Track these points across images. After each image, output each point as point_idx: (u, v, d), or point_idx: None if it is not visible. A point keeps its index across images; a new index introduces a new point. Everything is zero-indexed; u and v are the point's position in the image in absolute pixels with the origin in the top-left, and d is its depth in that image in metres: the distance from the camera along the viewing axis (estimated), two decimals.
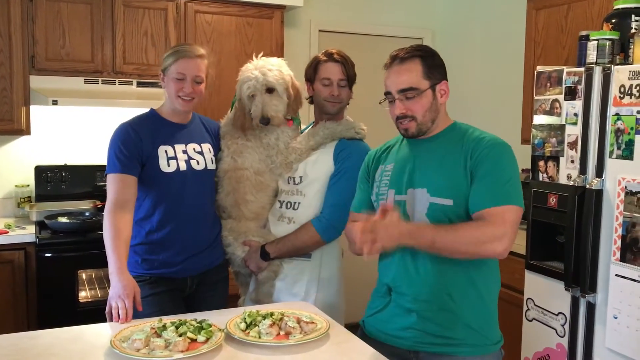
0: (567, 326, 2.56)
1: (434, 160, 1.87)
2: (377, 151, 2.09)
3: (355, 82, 2.43)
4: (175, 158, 2.27)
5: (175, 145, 2.29)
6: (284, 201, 2.39)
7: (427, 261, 1.83)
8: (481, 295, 1.85)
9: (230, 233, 2.42)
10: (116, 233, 2.10)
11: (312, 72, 2.40)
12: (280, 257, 2.37)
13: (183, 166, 2.28)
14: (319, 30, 4.41)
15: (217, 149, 2.44)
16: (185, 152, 2.31)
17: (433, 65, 1.87)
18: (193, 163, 2.31)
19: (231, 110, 2.46)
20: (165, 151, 2.26)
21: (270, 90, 2.33)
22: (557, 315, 2.61)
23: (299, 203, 2.36)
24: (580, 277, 2.46)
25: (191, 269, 2.33)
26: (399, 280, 1.90)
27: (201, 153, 2.35)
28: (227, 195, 2.41)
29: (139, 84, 3.54)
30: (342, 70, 2.36)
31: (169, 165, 2.26)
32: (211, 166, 2.37)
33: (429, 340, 1.83)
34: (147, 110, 2.38)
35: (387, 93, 1.90)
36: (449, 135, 1.90)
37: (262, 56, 2.41)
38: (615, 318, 2.33)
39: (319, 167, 2.34)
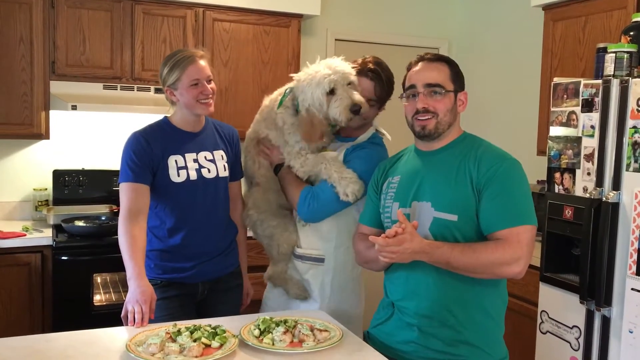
0: (581, 340, 2.54)
1: (440, 174, 1.86)
2: (386, 163, 2.08)
3: (390, 97, 2.31)
4: (185, 168, 2.27)
5: (186, 155, 2.29)
6: None
7: (430, 277, 1.83)
8: (486, 312, 1.84)
9: (253, 207, 2.41)
10: (132, 240, 2.12)
11: None
12: (280, 181, 2.34)
13: (193, 175, 2.28)
14: (336, 39, 4.43)
15: (232, 155, 2.43)
16: (196, 160, 2.30)
17: (457, 74, 1.91)
18: (204, 172, 2.31)
19: (279, 106, 2.31)
20: (176, 161, 2.27)
21: (350, 83, 2.18)
22: (571, 328, 2.59)
23: None
24: (596, 290, 2.44)
25: (202, 275, 2.34)
26: (402, 295, 1.91)
27: (213, 161, 2.34)
28: (255, 162, 2.41)
29: (157, 90, 3.58)
30: (374, 88, 2.24)
31: (178, 175, 2.26)
32: (223, 174, 2.36)
33: (431, 355, 1.83)
34: (162, 116, 2.40)
35: (411, 87, 1.89)
36: (457, 147, 1.89)
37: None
38: (631, 332, 2.31)
39: None
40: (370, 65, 2.25)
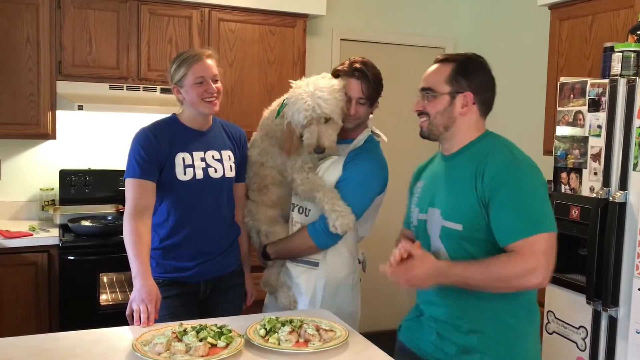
0: (588, 340, 2.53)
1: (450, 180, 1.84)
2: (421, 166, 2.07)
3: (380, 95, 2.35)
4: (192, 166, 2.27)
5: (194, 153, 2.29)
6: (296, 205, 2.40)
7: (445, 285, 1.80)
8: (502, 322, 1.78)
9: (248, 215, 2.49)
10: (138, 238, 2.12)
11: None
12: (280, 258, 2.41)
13: (200, 174, 2.28)
14: (341, 39, 4.43)
15: (239, 156, 2.44)
16: (203, 159, 2.30)
17: (463, 74, 1.82)
18: (210, 171, 2.31)
19: (277, 115, 2.37)
20: (183, 159, 2.27)
21: (326, 119, 2.23)
22: (578, 328, 2.58)
23: (310, 210, 2.36)
24: (602, 290, 2.43)
25: (204, 274, 2.34)
26: (422, 299, 1.93)
27: (220, 160, 2.35)
28: (251, 179, 2.49)
29: (163, 91, 3.59)
30: (362, 88, 2.27)
31: (185, 174, 2.26)
32: (229, 174, 2.37)
33: (447, 358, 1.82)
34: (168, 115, 2.40)
35: None
36: (469, 152, 1.83)
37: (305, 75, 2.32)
38: (638, 333, 2.30)
39: (329, 175, 2.32)
40: (357, 65, 2.29)
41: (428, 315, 1.88)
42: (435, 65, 1.88)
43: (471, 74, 1.83)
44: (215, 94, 2.26)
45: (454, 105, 1.82)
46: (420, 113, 1.86)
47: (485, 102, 1.87)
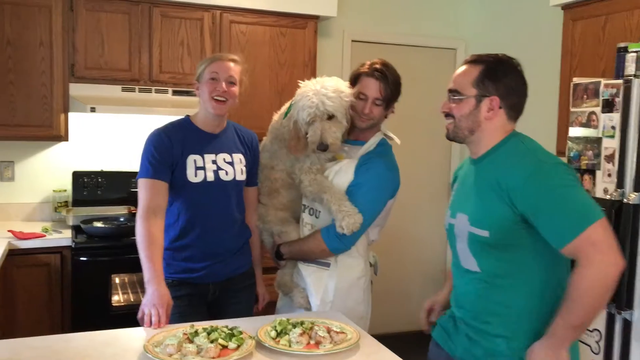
0: (602, 343, 2.50)
1: (476, 186, 1.80)
2: (458, 168, 2.05)
3: (397, 99, 2.34)
4: (203, 168, 2.28)
5: (205, 155, 2.30)
6: (307, 206, 2.41)
7: (471, 286, 1.80)
8: (531, 329, 1.73)
9: (259, 218, 2.51)
10: (150, 239, 2.12)
11: (352, 81, 2.34)
12: (293, 258, 2.42)
13: (211, 177, 2.28)
14: (352, 41, 4.43)
15: (250, 160, 2.44)
16: (214, 162, 2.31)
17: (491, 78, 1.77)
18: (221, 174, 2.31)
19: (284, 117, 2.39)
20: (194, 160, 2.27)
21: (330, 117, 2.24)
22: (591, 331, 2.56)
23: (320, 212, 2.36)
24: (616, 293, 2.41)
25: (214, 275, 2.34)
26: (454, 302, 1.92)
27: (231, 163, 2.35)
28: (262, 183, 2.50)
29: (175, 93, 3.60)
30: (380, 88, 2.27)
31: (196, 176, 2.26)
32: (240, 177, 2.37)
33: None
34: (181, 117, 2.41)
35: None
36: (493, 156, 1.79)
37: (319, 76, 2.32)
38: None
39: (340, 177, 2.31)
40: (377, 66, 2.29)
41: (459, 319, 1.87)
42: (464, 67, 1.83)
43: (499, 78, 1.78)
44: (225, 95, 2.27)
45: (480, 109, 1.78)
46: (447, 115, 1.84)
47: (514, 106, 1.81)
